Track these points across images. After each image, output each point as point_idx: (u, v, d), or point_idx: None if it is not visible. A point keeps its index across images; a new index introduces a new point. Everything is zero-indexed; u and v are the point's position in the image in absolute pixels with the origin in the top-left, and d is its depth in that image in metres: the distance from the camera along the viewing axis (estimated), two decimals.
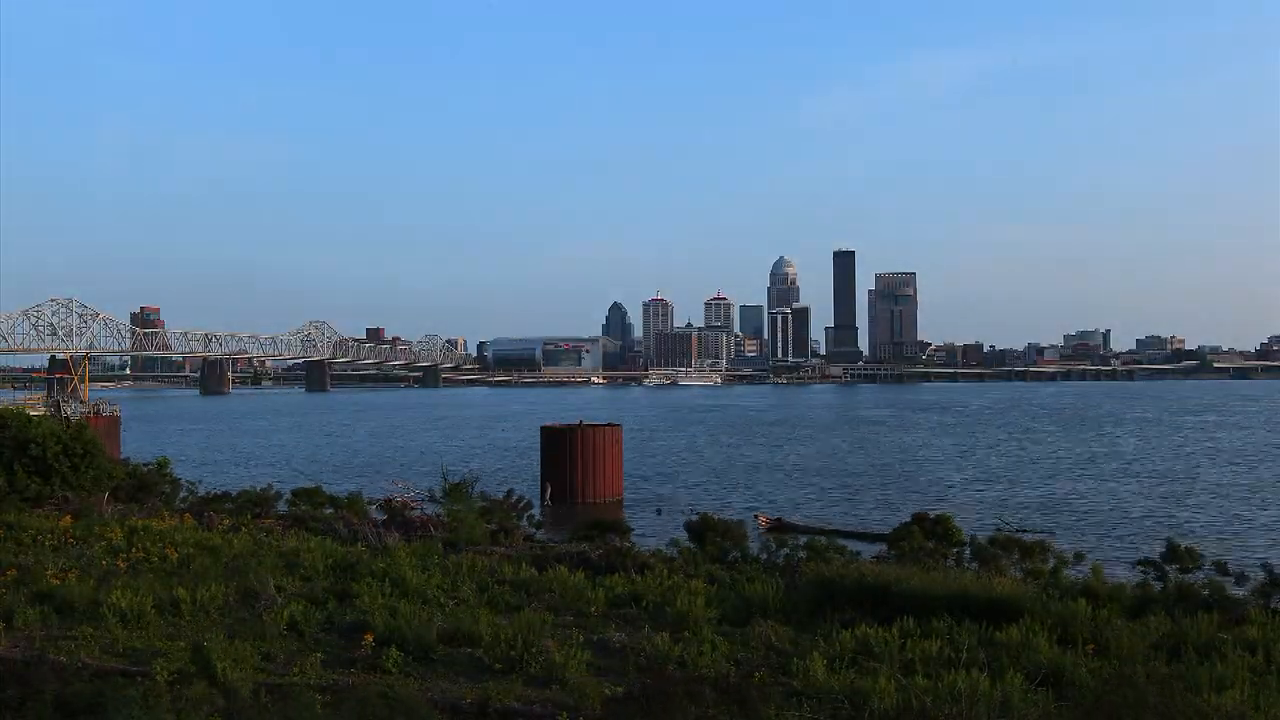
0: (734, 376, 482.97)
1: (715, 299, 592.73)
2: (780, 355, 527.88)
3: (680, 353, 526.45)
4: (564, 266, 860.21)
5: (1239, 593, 18.68)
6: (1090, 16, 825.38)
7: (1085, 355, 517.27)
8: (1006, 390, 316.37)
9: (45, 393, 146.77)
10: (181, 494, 32.08)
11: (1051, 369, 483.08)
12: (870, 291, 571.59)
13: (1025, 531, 39.51)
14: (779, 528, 43.38)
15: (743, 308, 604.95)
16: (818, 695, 9.99)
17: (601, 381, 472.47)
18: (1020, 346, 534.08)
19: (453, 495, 29.38)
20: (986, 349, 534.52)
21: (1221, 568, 20.75)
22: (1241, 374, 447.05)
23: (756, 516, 47.89)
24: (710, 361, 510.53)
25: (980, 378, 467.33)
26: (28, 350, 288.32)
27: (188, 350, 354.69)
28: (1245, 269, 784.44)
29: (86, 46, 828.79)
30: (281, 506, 30.94)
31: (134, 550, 18.38)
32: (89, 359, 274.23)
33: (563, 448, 58.20)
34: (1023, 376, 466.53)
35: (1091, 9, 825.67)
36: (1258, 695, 10.22)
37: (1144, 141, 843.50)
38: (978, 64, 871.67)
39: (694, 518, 29.00)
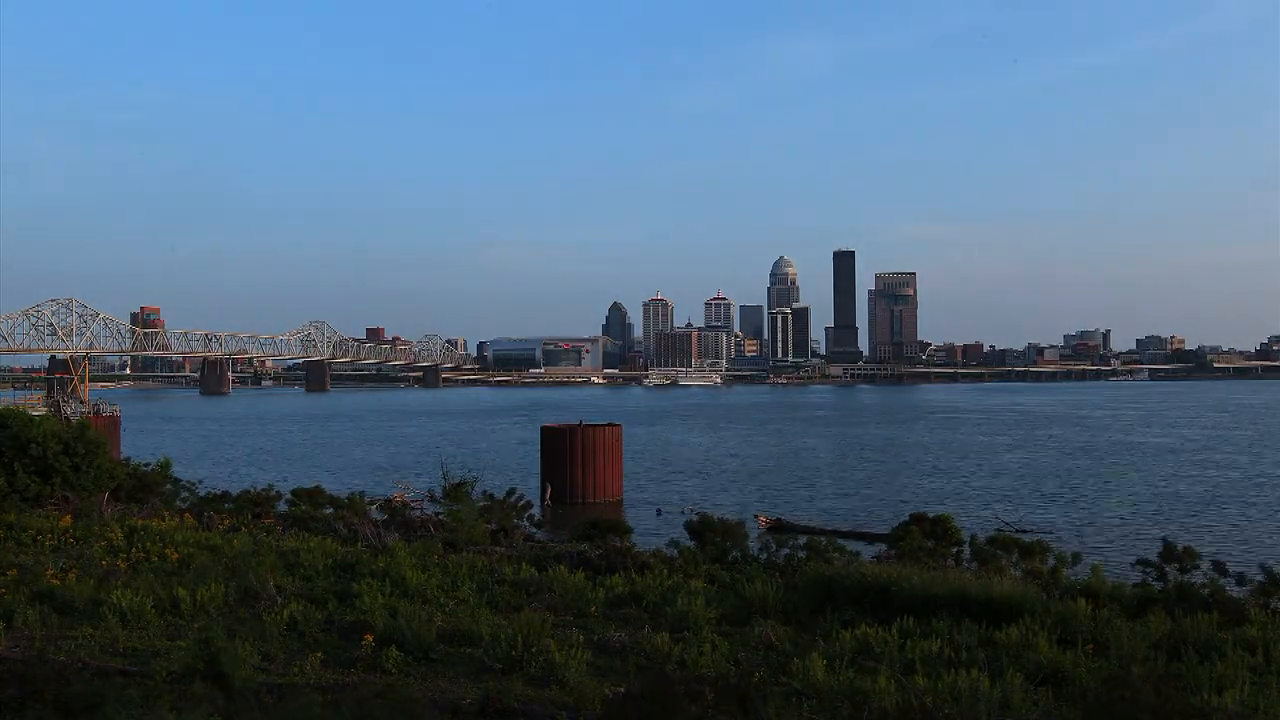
0: (734, 377, 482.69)
1: (715, 299, 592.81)
2: (780, 355, 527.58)
3: (680, 353, 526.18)
4: (564, 266, 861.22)
5: (1239, 593, 18.68)
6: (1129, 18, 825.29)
7: (1085, 355, 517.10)
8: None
9: (45, 393, 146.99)
10: (181, 494, 32.07)
11: (1051, 369, 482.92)
12: (870, 291, 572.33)
13: (1025, 531, 39.55)
14: (779, 528, 43.42)
15: (743, 308, 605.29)
16: (818, 695, 9.99)
17: (601, 381, 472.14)
18: (1020, 346, 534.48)
19: (453, 495, 29.39)
20: (986, 349, 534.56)
21: (1220, 568, 20.72)
22: (1241, 374, 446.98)
23: (757, 516, 47.93)
24: (710, 361, 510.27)
25: (980, 378, 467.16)
26: (28, 350, 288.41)
27: (188, 350, 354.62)
28: (1245, 269, 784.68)
29: (77, 45, 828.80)
30: (281, 506, 30.92)
31: (134, 550, 18.36)
32: (89, 359, 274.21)
33: (563, 448, 58.20)
34: (1023, 377, 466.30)
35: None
36: (1258, 695, 10.22)
37: (1144, 140, 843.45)
38: (979, 81, 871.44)
39: (694, 518, 29.00)
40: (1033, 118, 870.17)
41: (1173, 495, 59.99)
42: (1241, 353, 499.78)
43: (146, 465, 33.90)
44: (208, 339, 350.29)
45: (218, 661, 9.68)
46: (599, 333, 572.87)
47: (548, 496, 55.41)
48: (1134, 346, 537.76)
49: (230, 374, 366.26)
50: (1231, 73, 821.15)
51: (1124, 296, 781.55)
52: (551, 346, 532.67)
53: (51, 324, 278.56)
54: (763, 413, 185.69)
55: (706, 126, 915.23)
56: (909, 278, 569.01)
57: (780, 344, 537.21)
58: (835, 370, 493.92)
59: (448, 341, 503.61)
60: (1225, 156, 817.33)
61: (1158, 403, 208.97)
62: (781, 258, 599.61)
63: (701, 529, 25.30)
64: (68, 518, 21.83)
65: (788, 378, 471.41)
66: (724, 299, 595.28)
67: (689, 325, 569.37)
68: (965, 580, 15.51)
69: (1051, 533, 42.64)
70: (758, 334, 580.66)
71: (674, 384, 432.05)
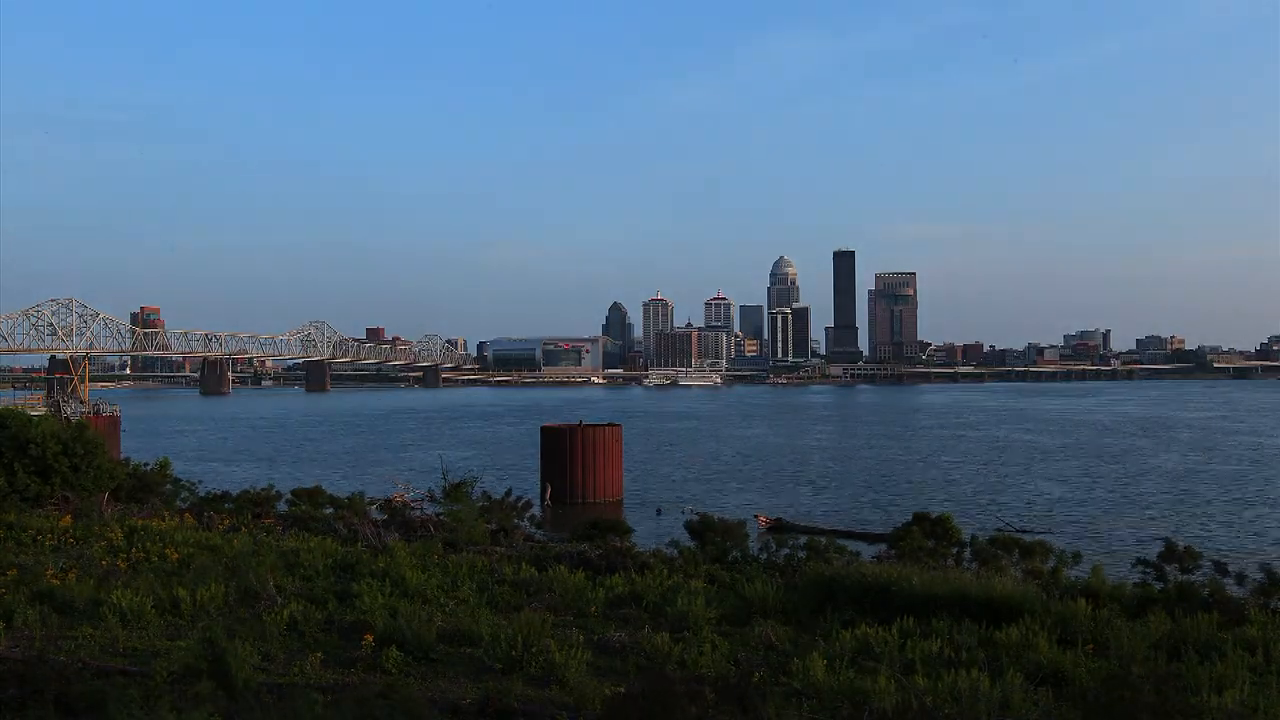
0: (734, 376, 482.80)
1: (715, 299, 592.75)
2: (780, 355, 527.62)
3: (680, 353, 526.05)
4: (564, 266, 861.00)
5: (1239, 593, 18.68)
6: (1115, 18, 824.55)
7: (1085, 355, 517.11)
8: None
9: (45, 393, 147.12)
10: (181, 494, 32.06)
11: (1051, 369, 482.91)
12: (870, 291, 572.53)
13: (1025, 532, 39.56)
14: (779, 528, 43.46)
15: (743, 308, 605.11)
16: (818, 695, 9.99)
17: (601, 381, 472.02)
18: (1020, 346, 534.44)
19: (453, 495, 29.41)
20: (986, 349, 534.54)
21: (1221, 568, 20.73)
22: (1241, 374, 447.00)
23: (757, 516, 47.96)
24: (710, 361, 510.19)
25: (980, 378, 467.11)
26: (28, 350, 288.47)
27: (188, 350, 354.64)
28: (1245, 269, 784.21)
29: (78, 44, 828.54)
30: (281, 506, 30.92)
31: (134, 550, 18.36)
32: (89, 359, 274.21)
33: (563, 448, 58.22)
34: (1023, 376, 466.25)
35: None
36: (1258, 695, 10.23)
37: (1144, 140, 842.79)
38: (979, 80, 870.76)
39: (694, 518, 29.02)
40: (1033, 117, 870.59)
41: None
42: (1241, 353, 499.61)
43: (146, 465, 33.89)
44: (208, 339, 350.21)
45: (222, 661, 9.67)
46: (599, 333, 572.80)
47: (548, 496, 55.43)
48: (1134, 346, 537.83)
49: (230, 374, 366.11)
50: (1232, 72, 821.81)
51: (1124, 296, 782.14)
52: (551, 346, 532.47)
53: (51, 324, 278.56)
54: (764, 413, 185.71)
55: (706, 126, 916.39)
56: (909, 278, 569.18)
57: (780, 344, 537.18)
58: (835, 370, 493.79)
59: (448, 341, 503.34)
60: (1225, 156, 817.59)
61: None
62: (781, 258, 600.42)
63: (701, 529, 25.32)
64: (68, 518, 21.82)
65: (788, 378, 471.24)
66: (724, 299, 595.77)
67: (689, 325, 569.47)
68: (965, 580, 15.51)
69: (1052, 533, 42.68)
70: (758, 334, 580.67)
71: (674, 384, 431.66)
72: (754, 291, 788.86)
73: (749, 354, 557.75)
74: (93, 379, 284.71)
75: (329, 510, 29.31)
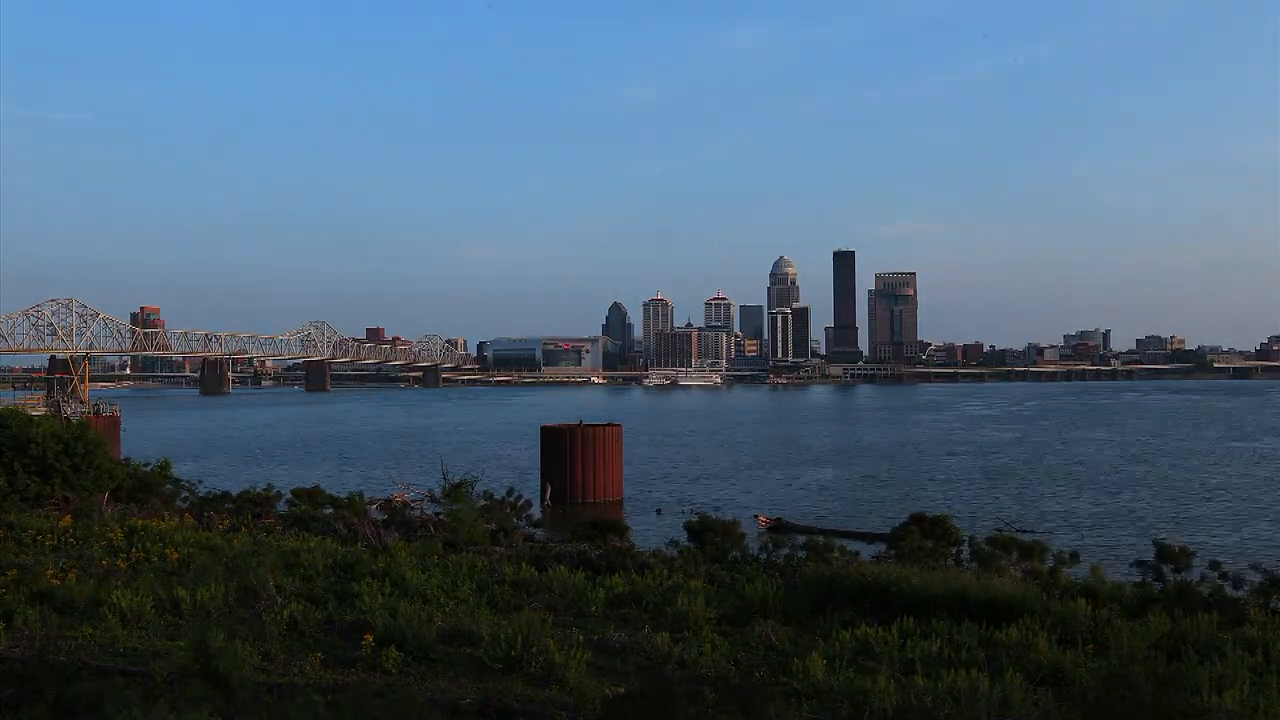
0: (734, 377, 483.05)
1: (715, 299, 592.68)
2: (780, 355, 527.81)
3: (680, 353, 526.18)
4: (564, 266, 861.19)
5: (1238, 593, 18.69)
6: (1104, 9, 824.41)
7: (1085, 355, 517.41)
8: None
9: (45, 393, 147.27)
10: (182, 494, 32.10)
11: (1051, 369, 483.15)
12: (870, 291, 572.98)
13: (1025, 532, 39.58)
14: (779, 528, 43.48)
15: (743, 308, 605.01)
16: (818, 695, 10.00)
17: (601, 381, 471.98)
18: (1020, 346, 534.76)
19: (453, 495, 29.41)
20: (986, 349, 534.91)
21: (1218, 568, 20.75)
22: (1241, 374, 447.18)
23: (756, 516, 47.99)
24: (710, 361, 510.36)
25: (980, 378, 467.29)
26: (28, 350, 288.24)
27: (188, 350, 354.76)
28: (1245, 269, 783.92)
29: (77, 44, 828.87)
30: (281, 506, 30.95)
31: (134, 550, 18.36)
32: (89, 359, 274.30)
33: (563, 448, 58.26)
34: (1023, 376, 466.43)
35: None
36: (1258, 695, 10.23)
37: (1144, 138, 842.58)
38: (987, 65, 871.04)
39: (694, 518, 29.06)
40: (1032, 115, 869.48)
41: None
42: (1241, 353, 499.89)
43: (146, 465, 33.91)
44: (208, 339, 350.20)
45: (213, 663, 9.68)
46: (599, 333, 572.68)
47: (548, 496, 55.46)
48: (1134, 346, 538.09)
49: (230, 374, 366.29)
50: (1234, 71, 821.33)
51: (1124, 296, 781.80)
52: (551, 346, 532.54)
53: (51, 324, 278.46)
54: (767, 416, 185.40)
55: (705, 124, 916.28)
56: (909, 278, 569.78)
57: (780, 344, 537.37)
58: (835, 370, 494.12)
59: (448, 341, 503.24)
60: (1226, 154, 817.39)
61: None
62: (781, 258, 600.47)
63: (701, 529, 25.36)
64: (68, 518, 21.83)
65: (788, 378, 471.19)
66: (724, 299, 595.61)
67: (689, 325, 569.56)
68: (965, 580, 15.52)
69: (1051, 533, 42.69)
70: (758, 334, 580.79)
71: (674, 384, 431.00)
72: (754, 291, 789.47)
73: (749, 354, 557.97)
74: (93, 379, 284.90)
75: (329, 510, 29.34)
